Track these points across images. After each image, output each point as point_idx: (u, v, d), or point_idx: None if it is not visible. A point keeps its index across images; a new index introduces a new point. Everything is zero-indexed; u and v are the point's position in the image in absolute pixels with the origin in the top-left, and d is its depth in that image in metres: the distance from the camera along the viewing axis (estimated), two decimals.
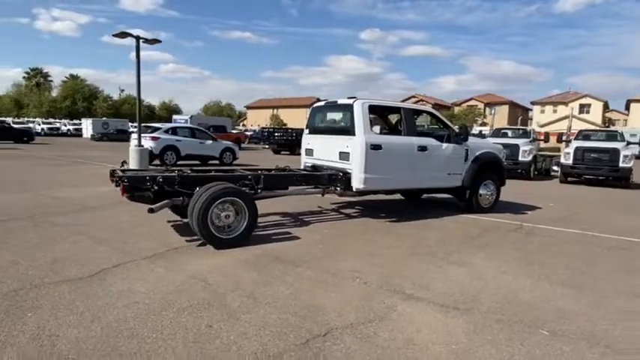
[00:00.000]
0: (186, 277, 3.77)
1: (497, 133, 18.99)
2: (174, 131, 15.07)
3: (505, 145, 15.74)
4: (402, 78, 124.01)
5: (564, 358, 2.63)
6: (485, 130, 36.81)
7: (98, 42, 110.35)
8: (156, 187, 4.84)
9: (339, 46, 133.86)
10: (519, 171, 15.15)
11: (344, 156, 6.21)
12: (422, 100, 63.20)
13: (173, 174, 5.06)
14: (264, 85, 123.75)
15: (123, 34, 12.31)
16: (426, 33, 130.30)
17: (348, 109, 6.18)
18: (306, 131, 7.39)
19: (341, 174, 6.17)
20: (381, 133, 7.04)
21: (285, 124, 59.87)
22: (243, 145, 30.37)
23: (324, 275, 3.98)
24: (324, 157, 6.72)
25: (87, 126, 40.77)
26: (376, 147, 5.99)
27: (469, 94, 58.10)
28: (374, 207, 7.65)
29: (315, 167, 6.91)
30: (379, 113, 7.54)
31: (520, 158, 14.99)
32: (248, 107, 77.36)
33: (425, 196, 8.38)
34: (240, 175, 5.54)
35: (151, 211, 4.62)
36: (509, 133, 18.42)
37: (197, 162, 15.38)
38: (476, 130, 38.99)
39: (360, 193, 6.58)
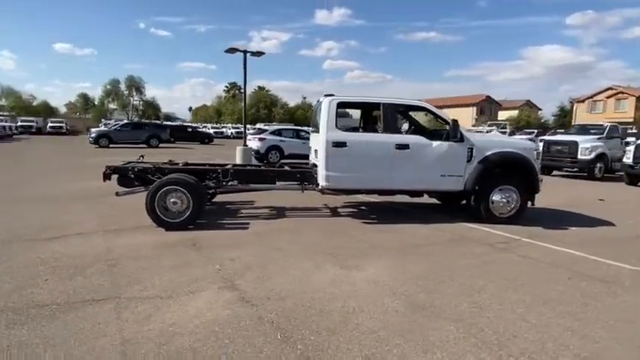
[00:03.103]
0: (101, 248, 4.68)
1: None
2: (279, 133, 16.71)
3: None
4: (622, 66, 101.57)
5: (241, 355, 2.52)
6: None
7: (295, 56, 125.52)
8: (132, 176, 5.97)
9: (539, 36, 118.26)
10: None
11: (316, 153, 6.28)
12: (622, 92, 51.79)
13: (149, 165, 6.12)
14: (447, 84, 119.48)
15: (232, 50, 14.37)
16: None
17: (319, 106, 6.22)
18: (311, 129, 7.60)
19: (314, 171, 6.25)
20: (408, 132, 6.83)
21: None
22: None
23: (200, 258, 4.39)
24: (313, 154, 6.86)
25: None
26: (339, 144, 5.88)
27: None
28: (375, 208, 7.34)
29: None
30: (358, 109, 7.19)
31: None
32: None
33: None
34: (209, 169, 6.26)
35: (117, 194, 5.78)
36: None
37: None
38: None
39: (345, 192, 6.52)
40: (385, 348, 2.67)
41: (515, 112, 62.43)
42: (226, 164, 6.68)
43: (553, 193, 10.17)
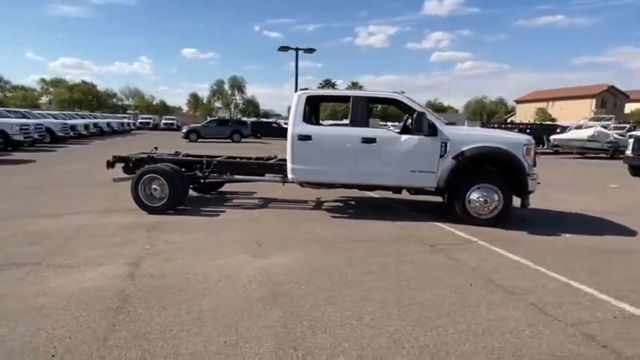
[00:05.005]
0: (81, 225, 5.49)
1: None
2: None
3: None
4: None
5: (69, 317, 2.92)
6: None
7: (402, 49, 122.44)
8: (131, 165, 6.78)
9: None
10: None
11: None
12: None
13: (145, 155, 6.88)
14: (576, 73, 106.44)
15: (284, 48, 14.99)
16: None
17: None
18: None
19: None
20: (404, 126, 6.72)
21: (553, 120, 51.68)
22: None
23: (143, 239, 4.91)
24: None
25: None
26: (304, 138, 5.95)
27: None
28: (362, 203, 7.21)
29: None
30: (329, 103, 7.00)
31: None
32: (517, 101, 70.48)
33: None
34: (194, 160, 6.80)
35: (113, 180, 6.62)
36: None
37: None
38: None
39: (319, 185, 6.55)
40: (190, 328, 2.83)
41: None
42: (217, 156, 7.17)
43: (611, 196, 8.87)
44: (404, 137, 5.79)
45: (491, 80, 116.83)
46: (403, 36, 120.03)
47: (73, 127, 23.70)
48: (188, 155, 7.40)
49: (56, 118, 23.86)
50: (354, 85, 74.81)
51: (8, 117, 18.21)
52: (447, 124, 6.07)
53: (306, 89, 6.33)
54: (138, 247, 4.61)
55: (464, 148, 5.62)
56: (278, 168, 6.60)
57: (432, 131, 5.67)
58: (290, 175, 6.15)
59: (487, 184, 5.62)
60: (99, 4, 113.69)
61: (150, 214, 6.10)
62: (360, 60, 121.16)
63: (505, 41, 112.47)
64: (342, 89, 6.50)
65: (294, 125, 6.04)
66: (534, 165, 5.86)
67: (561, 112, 56.06)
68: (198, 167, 6.68)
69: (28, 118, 19.95)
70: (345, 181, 6.10)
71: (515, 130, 27.07)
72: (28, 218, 5.77)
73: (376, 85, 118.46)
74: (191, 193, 7.61)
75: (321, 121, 9.20)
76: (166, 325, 2.85)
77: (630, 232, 5.70)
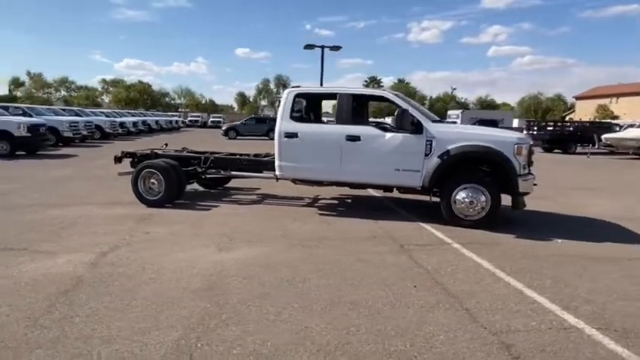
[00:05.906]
0: (81, 214, 5.91)
1: None
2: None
3: None
4: None
5: (18, 298, 3.19)
6: None
7: (457, 44, 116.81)
8: (136, 160, 7.17)
9: None
10: None
11: None
12: None
13: (148, 151, 7.24)
14: None
15: (309, 46, 15.09)
16: None
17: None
18: None
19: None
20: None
21: (615, 117, 47.84)
22: None
23: (127, 230, 5.20)
24: None
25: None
26: (291, 135, 6.01)
27: None
28: (359, 202, 7.15)
29: None
30: (318, 100, 6.95)
31: None
32: (577, 98, 65.97)
33: None
34: (191, 156, 7.07)
35: (119, 174, 7.03)
36: None
37: None
38: None
39: (309, 183, 6.56)
40: (115, 314, 2.99)
41: None
42: (216, 153, 7.40)
43: None
44: (388, 135, 5.68)
45: (553, 76, 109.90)
46: (458, 31, 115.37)
47: (121, 125, 25.28)
48: (192, 152, 7.70)
49: (107, 116, 25.56)
50: (401, 82, 73.63)
51: (62, 115, 19.81)
52: (436, 121, 5.88)
53: (298, 87, 6.39)
54: (118, 237, 4.89)
55: (449, 147, 5.42)
56: (271, 165, 6.69)
57: (417, 129, 5.53)
58: (277, 172, 6.24)
59: (474, 184, 5.39)
60: (159, 7, 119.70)
61: (148, 207, 6.43)
62: (412, 56, 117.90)
63: (570, 34, 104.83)
64: (337, 86, 6.41)
65: (281, 122, 6.11)
66: (529, 165, 5.56)
67: (626, 109, 51.71)
68: (196, 163, 6.94)
69: (80, 116, 21.56)
70: (331, 178, 6.09)
71: (567, 128, 25.41)
72: (39, 207, 6.29)
73: (428, 81, 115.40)
74: (198, 187, 7.97)
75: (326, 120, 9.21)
76: (96, 310, 3.04)
77: (635, 240, 5.23)
